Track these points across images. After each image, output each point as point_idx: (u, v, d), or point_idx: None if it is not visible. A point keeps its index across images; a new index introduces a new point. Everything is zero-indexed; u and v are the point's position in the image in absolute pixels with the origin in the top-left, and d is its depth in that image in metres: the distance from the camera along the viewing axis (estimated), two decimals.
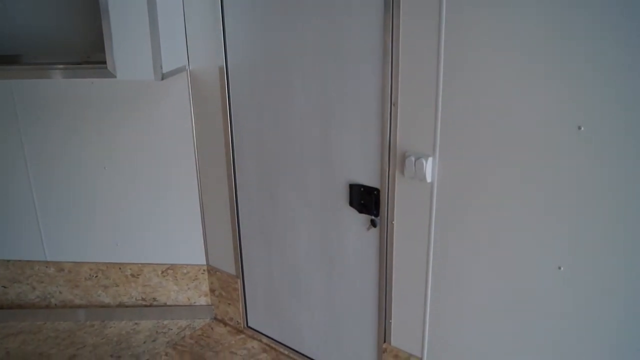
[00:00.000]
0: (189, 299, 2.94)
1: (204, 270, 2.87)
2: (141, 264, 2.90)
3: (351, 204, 2.16)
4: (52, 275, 2.99)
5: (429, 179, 1.86)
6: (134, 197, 2.79)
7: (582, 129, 1.48)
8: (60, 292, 3.02)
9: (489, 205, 1.74)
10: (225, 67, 2.42)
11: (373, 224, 2.12)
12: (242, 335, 2.83)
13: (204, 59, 2.49)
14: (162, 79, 2.29)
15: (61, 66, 2.38)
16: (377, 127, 1.98)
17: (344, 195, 2.18)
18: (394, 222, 2.04)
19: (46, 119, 2.71)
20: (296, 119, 2.24)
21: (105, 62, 2.29)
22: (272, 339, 2.74)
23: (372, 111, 1.97)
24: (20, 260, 2.98)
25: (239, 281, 2.75)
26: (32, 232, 2.92)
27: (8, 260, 2.99)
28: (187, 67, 2.53)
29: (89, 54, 2.51)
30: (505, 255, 1.75)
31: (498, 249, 1.76)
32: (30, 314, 3.01)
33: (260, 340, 2.78)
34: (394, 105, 1.89)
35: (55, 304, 3.05)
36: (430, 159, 1.83)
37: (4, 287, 3.05)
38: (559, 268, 1.63)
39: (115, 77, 2.30)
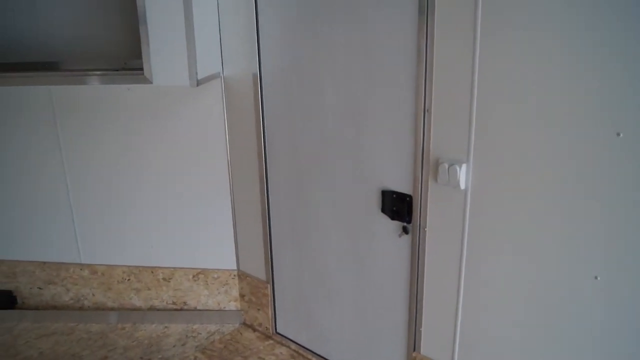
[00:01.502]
0: (219, 304, 2.96)
1: (234, 275, 2.89)
2: (173, 268, 2.93)
3: (383, 210, 2.15)
4: (86, 278, 3.05)
5: (462, 186, 1.84)
6: (167, 202, 2.83)
7: (621, 135, 1.44)
8: (93, 295, 3.08)
9: (523, 213, 1.71)
10: (259, 74, 2.44)
11: (405, 230, 2.10)
12: (271, 341, 2.84)
13: (237, 66, 2.52)
14: (197, 85, 2.33)
15: (99, 72, 2.45)
16: (410, 133, 1.97)
17: (376, 202, 2.17)
18: (427, 229, 2.02)
19: (84, 124, 2.78)
20: (328, 125, 2.25)
21: (141, 69, 2.34)
22: (300, 345, 2.74)
23: (405, 117, 1.96)
24: (55, 262, 3.05)
25: (269, 287, 2.75)
26: (68, 234, 2.99)
27: (44, 262, 3.06)
28: (221, 74, 2.57)
29: (126, 60, 2.56)
30: (540, 264, 1.71)
31: (533, 257, 1.73)
32: (63, 316, 3.07)
33: (289, 347, 2.77)
34: (427, 111, 1.88)
35: (89, 306, 3.11)
36: (464, 166, 1.81)
37: (40, 288, 3.12)
38: (596, 278, 1.59)
39: (151, 83, 2.35)
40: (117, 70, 2.48)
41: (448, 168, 1.85)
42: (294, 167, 2.45)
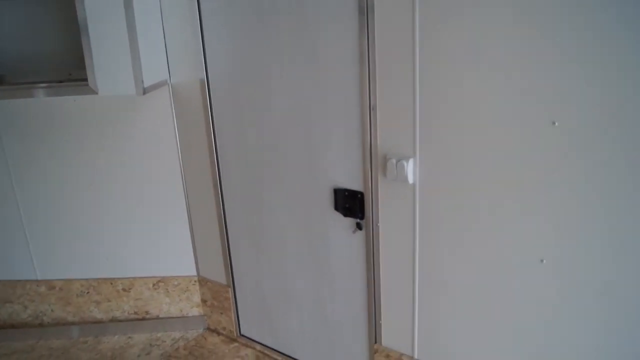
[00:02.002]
0: (181, 311, 2.95)
1: (194, 281, 2.88)
2: (132, 278, 2.91)
3: (336, 208, 2.19)
4: (43, 294, 2.99)
5: (410, 181, 1.89)
6: (121, 212, 2.80)
7: (557, 124, 1.52)
8: (52, 310, 3.02)
9: (470, 203, 1.78)
10: (206, 79, 2.44)
11: (359, 227, 2.15)
12: (236, 344, 2.85)
13: (184, 72, 2.51)
14: (144, 93, 2.31)
15: (43, 85, 2.40)
16: (357, 132, 2.01)
17: (328, 200, 2.21)
18: (379, 225, 2.07)
19: (31, 138, 2.72)
20: (278, 127, 2.27)
21: (86, 79, 2.31)
22: (265, 345, 2.76)
23: (352, 116, 2.00)
24: (10, 280, 2.98)
25: (230, 290, 2.76)
26: (22, 251, 2.92)
27: None
28: (168, 81, 2.55)
29: (71, 71, 2.52)
30: (489, 252, 1.78)
31: (481, 246, 1.80)
32: (22, 334, 3.01)
33: (254, 348, 2.79)
34: (372, 109, 1.92)
35: (48, 322, 3.05)
36: (411, 161, 1.86)
37: None
38: (542, 261, 1.67)
39: (97, 93, 2.32)
40: (62, 82, 2.44)
41: (396, 163, 1.90)
42: (247, 170, 2.46)
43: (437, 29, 1.68)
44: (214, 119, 2.50)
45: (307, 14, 2.00)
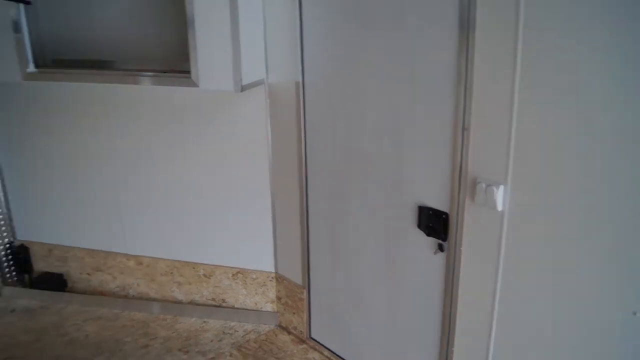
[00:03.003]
0: (256, 304, 3.01)
1: (272, 277, 2.93)
2: (214, 265, 3.00)
3: (419, 226, 2.12)
4: (131, 268, 3.17)
5: (499, 208, 1.78)
6: (210, 202, 2.89)
7: None
8: (137, 285, 3.20)
9: (560, 238, 1.64)
10: (302, 82, 2.45)
11: (440, 248, 2.06)
12: (304, 346, 2.86)
13: (281, 73, 2.54)
14: (242, 90, 2.36)
15: (150, 73, 2.52)
16: (448, 151, 1.92)
17: (412, 217, 2.14)
18: (462, 249, 1.97)
19: (133, 120, 2.88)
20: (368, 137, 2.23)
21: (189, 72, 2.40)
22: (333, 352, 2.74)
23: (444, 134, 1.92)
24: (103, 251, 3.19)
25: (305, 291, 2.77)
26: (116, 225, 3.11)
27: (93, 250, 3.21)
28: (265, 80, 2.59)
29: (175, 62, 2.62)
30: (576, 294, 1.64)
31: (568, 285, 1.65)
32: (109, 302, 3.21)
33: (322, 353, 2.78)
34: (465, 129, 1.83)
35: (133, 295, 3.24)
36: (501, 187, 1.75)
37: (88, 274, 3.28)
38: (634, 314, 1.51)
39: (197, 86, 2.40)
40: (166, 72, 2.55)
41: (485, 188, 1.79)
42: (333, 175, 2.45)
43: (541, 52, 1.55)
44: (306, 121, 2.50)
45: (406, 27, 1.94)
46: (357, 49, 2.16)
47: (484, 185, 1.80)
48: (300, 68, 2.43)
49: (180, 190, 2.93)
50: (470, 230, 1.93)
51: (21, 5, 2.57)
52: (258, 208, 2.81)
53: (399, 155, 2.12)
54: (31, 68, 2.67)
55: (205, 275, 3.04)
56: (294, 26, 2.38)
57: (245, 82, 2.38)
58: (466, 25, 1.73)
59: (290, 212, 2.71)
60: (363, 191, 2.33)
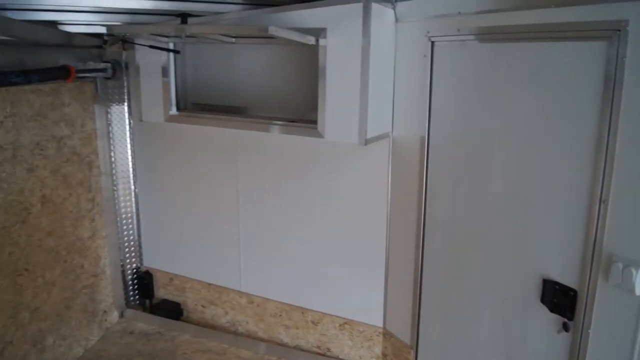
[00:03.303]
0: (360, 358, 2.94)
1: (379, 332, 2.85)
2: (322, 312, 2.99)
3: (542, 300, 1.96)
4: (243, 305, 3.26)
5: (638, 292, 1.60)
6: (324, 247, 2.91)
7: None
8: (247, 322, 3.27)
9: None
10: (427, 137, 2.41)
11: (565, 327, 1.89)
12: None
13: (406, 127, 2.52)
14: (365, 144, 2.37)
15: (279, 122, 2.62)
16: (581, 223, 1.78)
17: (535, 289, 1.99)
18: (590, 331, 1.79)
19: (259, 163, 3.00)
20: (492, 201, 2.13)
21: (315, 122, 2.46)
22: None
23: (578, 204, 1.78)
24: (219, 286, 3.32)
25: (412, 352, 2.66)
26: (233, 262, 3.23)
27: (210, 284, 3.35)
28: (390, 134, 2.59)
29: (305, 112, 2.71)
30: None
31: None
32: (219, 336, 3.31)
33: None
34: (603, 202, 1.68)
35: (242, 332, 3.31)
36: None
37: (203, 306, 3.41)
38: None
39: (323, 137, 2.45)
40: (294, 121, 2.63)
41: (622, 269, 1.64)
42: (451, 236, 2.36)
43: None
44: (428, 178, 2.45)
45: (541, 88, 1.85)
46: (487, 108, 2.10)
47: (620, 265, 1.64)
48: (426, 123, 2.40)
49: (296, 235, 2.98)
50: (601, 311, 1.76)
51: (171, 54, 2.81)
52: (371, 260, 2.78)
53: (524, 223, 2.00)
54: (173, 110, 2.90)
55: (312, 322, 3.04)
56: (424, 82, 2.36)
57: (369, 135, 2.39)
58: (612, 84, 1.61)
59: (404, 268, 2.63)
60: (482, 256, 2.21)
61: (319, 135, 2.47)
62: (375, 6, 2.28)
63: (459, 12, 2.20)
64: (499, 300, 2.16)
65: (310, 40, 2.36)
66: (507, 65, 2.02)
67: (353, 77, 2.32)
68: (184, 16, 2.41)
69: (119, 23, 2.66)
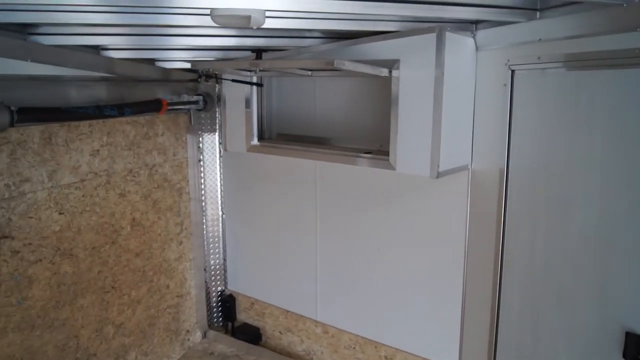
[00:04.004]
0: None
1: None
2: (395, 349, 2.90)
3: (624, 355, 1.77)
4: (318, 335, 3.24)
5: None
6: (400, 282, 2.82)
7: None
8: (322, 352, 3.25)
9: None
10: (506, 171, 2.28)
11: None
12: None
13: (485, 160, 2.41)
14: (437, 177, 2.29)
15: (351, 153, 2.62)
16: None
17: (616, 342, 1.79)
18: None
19: (337, 193, 3.00)
20: (571, 240, 1.96)
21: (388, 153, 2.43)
22: None
23: None
24: (296, 314, 3.34)
25: None
26: (310, 291, 3.24)
27: (288, 311, 3.37)
28: (469, 166, 2.48)
29: (383, 143, 2.68)
30: None
31: None
32: None
33: None
34: None
35: None
36: None
37: (280, 332, 3.45)
38: None
39: (394, 170, 2.41)
40: (370, 152, 2.61)
41: None
42: (529, 277, 2.19)
43: None
44: (506, 214, 2.31)
45: (630, 120, 1.69)
46: (568, 140, 1.96)
47: None
48: (505, 156, 2.28)
49: (372, 267, 2.93)
50: None
51: (254, 87, 2.93)
52: (447, 298, 2.65)
53: (607, 266, 1.84)
54: (254, 141, 3.00)
55: (386, 358, 2.94)
56: (504, 112, 2.26)
57: (442, 168, 2.31)
58: None
59: (481, 309, 2.48)
60: (560, 302, 2.04)
61: (391, 167, 2.43)
62: (450, 36, 2.22)
63: (540, 39, 2.09)
64: (577, 350, 1.97)
65: (383, 72, 2.35)
66: (590, 93, 1.87)
67: (425, 108, 2.27)
68: (258, 52, 2.50)
69: (208, 59, 2.83)
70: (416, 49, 2.28)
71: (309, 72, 2.60)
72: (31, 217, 2.35)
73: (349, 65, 2.13)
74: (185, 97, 3.23)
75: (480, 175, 2.45)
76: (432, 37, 2.21)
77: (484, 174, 2.42)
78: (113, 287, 2.82)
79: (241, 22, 1.76)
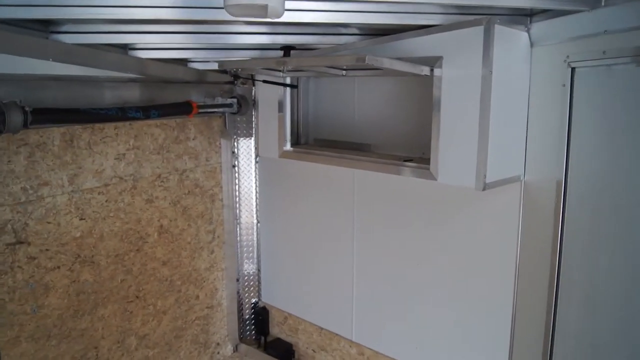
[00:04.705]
0: None
1: None
2: None
3: None
4: (353, 356, 3.01)
5: None
6: (442, 304, 2.56)
7: None
8: None
9: None
10: (564, 183, 2.00)
11: None
12: None
13: (540, 170, 2.12)
14: (484, 189, 2.02)
15: (390, 162, 2.39)
16: None
17: None
18: None
19: (375, 204, 2.76)
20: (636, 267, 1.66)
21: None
22: None
23: None
24: (330, 332, 3.11)
25: None
26: (346, 309, 3.01)
27: (322, 328, 3.16)
28: (521, 177, 2.20)
29: (424, 151, 2.44)
30: None
31: None
32: None
33: None
34: None
35: None
36: None
37: (313, 351, 3.23)
38: None
39: (435, 180, 2.16)
40: (411, 160, 2.38)
41: None
42: (592, 305, 1.89)
43: None
44: (564, 232, 2.02)
45: None
46: (638, 147, 1.66)
47: None
48: (563, 166, 1.99)
49: (412, 286, 2.67)
50: None
51: (287, 89, 2.75)
52: (494, 321, 2.36)
53: None
54: (287, 147, 2.82)
55: None
56: (562, 116, 1.98)
57: (490, 179, 2.04)
58: None
59: (532, 337, 2.19)
60: (625, 333, 1.73)
61: (432, 177, 2.18)
62: (500, 29, 1.97)
63: (605, 31, 1.80)
64: None
65: (423, 70, 2.12)
66: None
67: (471, 111, 2.02)
68: (286, 49, 2.32)
69: (235, 59, 2.68)
70: (461, 44, 2.03)
71: (343, 72, 2.40)
72: (49, 222, 2.26)
73: (383, 63, 1.91)
74: (220, 100, 3.10)
75: (534, 188, 2.16)
76: (479, 30, 1.96)
77: (539, 186, 2.14)
78: (137, 297, 2.70)
79: (258, 13, 1.58)
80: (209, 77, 3.05)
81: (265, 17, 1.60)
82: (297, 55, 2.44)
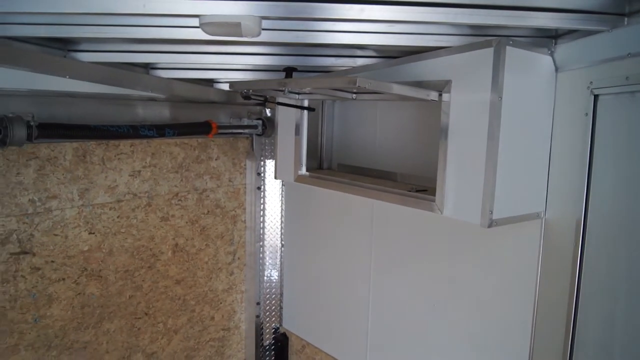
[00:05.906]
0: None
1: None
2: None
3: None
4: None
5: None
6: (457, 345, 2.35)
7: None
8: None
9: None
10: (583, 222, 1.77)
11: None
12: None
13: (560, 208, 1.91)
14: (489, 226, 1.83)
15: (397, 192, 2.23)
16: None
17: None
18: None
19: (392, 235, 2.62)
20: None
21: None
22: None
23: None
24: None
25: None
26: (361, 342, 2.85)
27: (336, 359, 3.01)
28: (542, 215, 1.98)
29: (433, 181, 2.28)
30: None
31: None
32: None
33: None
34: None
35: None
36: None
37: None
38: None
39: (441, 213, 2.00)
40: (426, 191, 2.21)
41: None
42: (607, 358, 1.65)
43: None
44: (582, 276, 1.79)
45: None
46: None
47: None
48: (583, 203, 1.77)
49: (427, 323, 2.48)
50: None
51: (304, 112, 2.67)
52: None
53: None
54: (302, 171, 2.74)
55: None
56: (583, 148, 1.77)
57: (498, 215, 1.85)
58: None
59: None
60: None
61: (437, 211, 2.02)
62: (513, 51, 1.79)
63: (629, 54, 1.59)
64: None
65: (431, 95, 1.97)
66: None
67: (478, 140, 1.84)
68: (288, 70, 2.25)
69: (244, 79, 2.66)
70: (470, 67, 1.88)
71: (353, 96, 2.29)
72: (56, 235, 2.30)
73: (378, 86, 1.78)
74: (246, 121, 3.08)
75: (554, 226, 1.94)
76: (489, 52, 1.80)
77: (559, 225, 1.92)
78: (146, 314, 2.70)
79: (232, 31, 1.53)
80: (238, 99, 3.05)
81: (241, 35, 1.55)
82: (298, 77, 2.37)
